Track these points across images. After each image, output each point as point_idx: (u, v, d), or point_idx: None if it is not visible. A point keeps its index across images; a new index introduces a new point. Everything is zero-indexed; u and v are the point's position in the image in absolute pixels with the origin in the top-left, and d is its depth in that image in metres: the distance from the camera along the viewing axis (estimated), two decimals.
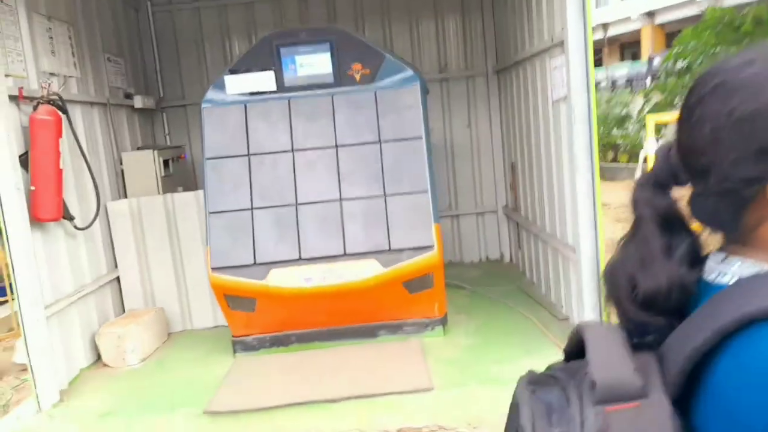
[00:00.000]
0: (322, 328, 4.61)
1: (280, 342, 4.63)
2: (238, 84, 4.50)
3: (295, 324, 4.58)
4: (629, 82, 29.57)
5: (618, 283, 0.83)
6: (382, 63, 4.51)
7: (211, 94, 4.57)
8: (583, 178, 3.78)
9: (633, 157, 19.07)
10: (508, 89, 5.97)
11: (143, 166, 5.57)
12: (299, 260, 4.30)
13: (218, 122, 4.51)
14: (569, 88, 3.81)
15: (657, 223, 0.80)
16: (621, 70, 33.43)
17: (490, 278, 6.16)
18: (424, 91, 4.64)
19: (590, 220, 3.82)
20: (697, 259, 0.82)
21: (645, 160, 3.78)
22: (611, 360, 0.74)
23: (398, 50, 6.59)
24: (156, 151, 5.63)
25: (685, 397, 0.73)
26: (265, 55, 4.51)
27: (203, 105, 4.56)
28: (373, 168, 4.39)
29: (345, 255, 4.29)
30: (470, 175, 6.74)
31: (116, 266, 5.34)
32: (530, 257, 5.68)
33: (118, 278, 5.35)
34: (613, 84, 30.77)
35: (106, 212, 5.26)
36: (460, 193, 6.78)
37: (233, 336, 4.66)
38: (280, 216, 4.36)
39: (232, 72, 4.52)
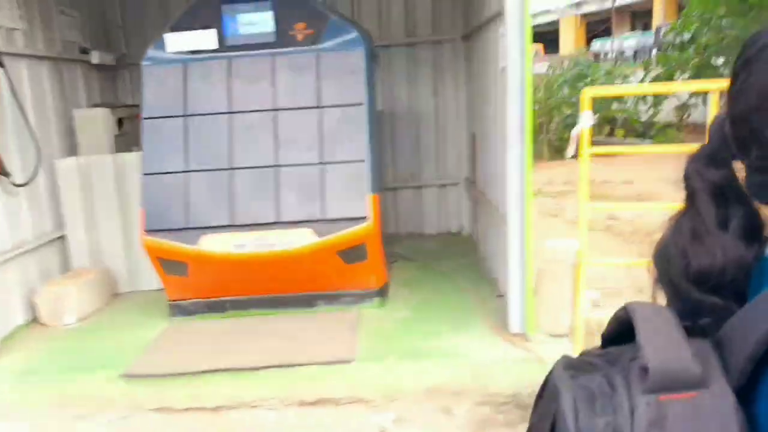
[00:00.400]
0: (259, 296, 4.58)
1: (216, 307, 4.60)
2: (178, 42, 4.38)
3: (231, 290, 4.55)
4: (636, 53, 29.00)
5: (670, 259, 0.77)
6: (327, 24, 4.36)
7: (152, 52, 4.45)
8: (514, 152, 3.67)
9: (629, 132, 18.85)
10: (472, 56, 5.80)
11: (95, 124, 5.48)
12: (232, 226, 4.24)
13: (157, 81, 4.40)
14: (506, 59, 3.67)
15: (710, 194, 0.75)
16: (629, 40, 32.73)
17: (446, 251, 6.10)
18: (370, 56, 4.49)
19: (519, 194, 3.72)
20: (756, 235, 0.75)
21: (578, 137, 3.64)
22: (665, 344, 0.66)
23: (365, 13, 6.41)
24: (108, 110, 5.53)
25: (744, 387, 0.65)
26: (206, 13, 4.37)
27: (143, 63, 4.46)
28: (311, 134, 4.29)
29: (279, 222, 4.22)
30: (434, 145, 6.62)
31: (62, 225, 5.29)
32: (483, 231, 5.60)
33: (65, 236, 5.32)
34: (621, 55, 30.19)
35: (54, 170, 5.20)
36: (424, 163, 6.66)
37: (169, 300, 4.64)
38: (215, 180, 4.28)
39: (173, 29, 4.38)
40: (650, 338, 0.67)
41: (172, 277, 4.44)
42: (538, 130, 18.25)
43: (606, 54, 31.29)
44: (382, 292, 4.67)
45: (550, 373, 0.73)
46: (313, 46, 4.34)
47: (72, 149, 5.51)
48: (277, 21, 4.33)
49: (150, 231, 4.28)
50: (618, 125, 19.12)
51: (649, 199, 9.55)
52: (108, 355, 4.15)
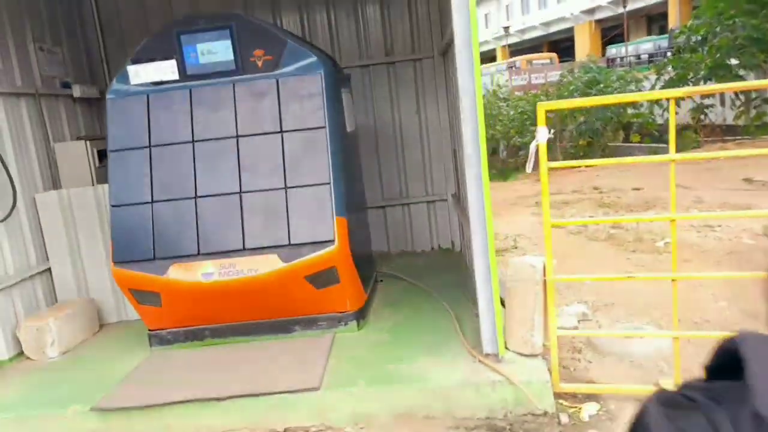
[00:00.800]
0: (237, 323, 4.53)
1: (194, 336, 4.57)
2: (140, 74, 4.40)
3: (208, 318, 4.52)
4: (652, 56, 28.60)
5: None
6: (285, 49, 4.34)
7: (116, 85, 4.48)
8: (472, 171, 3.58)
9: (646, 136, 18.48)
10: (449, 72, 5.74)
11: (76, 156, 5.55)
12: (198, 255, 4.21)
13: (122, 114, 4.43)
14: (457, 79, 3.61)
15: None
16: (645, 44, 32.35)
17: (435, 268, 5.99)
18: (332, 79, 4.46)
19: (480, 213, 3.62)
20: None
21: (537, 151, 3.54)
22: None
23: (343, 35, 6.43)
24: (89, 142, 5.60)
25: None
26: (166, 44, 4.39)
27: (108, 97, 4.49)
28: (274, 159, 4.26)
29: (244, 249, 4.19)
30: (420, 162, 6.55)
31: (47, 258, 5.34)
32: (468, 247, 5.49)
33: (50, 269, 5.36)
34: (638, 59, 29.83)
35: (35, 204, 5.27)
36: (411, 180, 6.60)
37: (149, 329, 4.63)
38: (180, 209, 4.27)
39: (134, 62, 4.41)
40: (764, 377, 0.56)
41: (146, 308, 4.43)
42: (553, 139, 18.11)
43: (622, 59, 30.99)
44: (359, 315, 4.58)
45: (642, 409, 0.63)
46: (272, 72, 4.32)
47: (56, 182, 5.58)
48: (236, 49, 4.33)
49: (119, 262, 4.29)
50: (633, 130, 18.79)
51: (655, 205, 9.33)
52: (85, 389, 4.11)
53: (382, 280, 5.66)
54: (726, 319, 4.68)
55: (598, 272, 6.30)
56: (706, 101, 16.11)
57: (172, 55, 4.39)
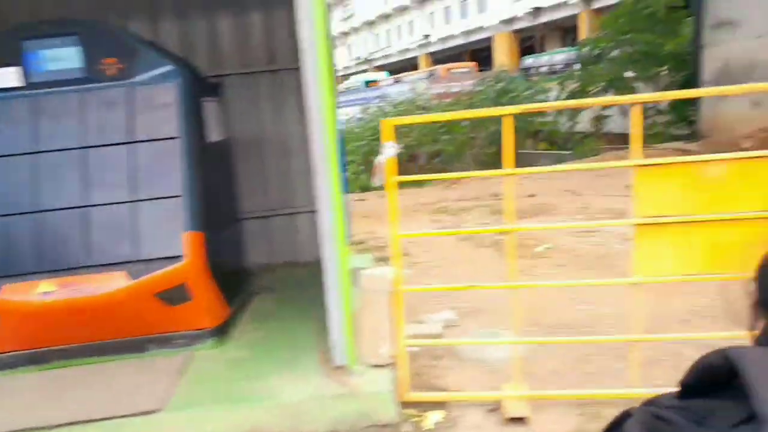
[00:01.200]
0: (86, 343, 4.31)
1: (39, 359, 4.30)
2: None
3: (54, 339, 4.27)
4: (566, 66, 29.81)
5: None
6: (139, 57, 4.20)
7: None
8: (321, 180, 3.60)
9: (551, 144, 19.30)
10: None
11: None
12: (38, 273, 3.98)
13: None
14: (306, 89, 3.60)
15: None
16: (559, 55, 33.70)
17: (316, 280, 5.90)
18: (192, 87, 4.35)
19: (329, 227, 3.63)
20: None
21: (383, 168, 3.57)
22: None
23: (225, 43, 6.31)
24: None
25: None
26: (9, 50, 4.15)
27: None
28: (124, 171, 4.10)
29: (90, 266, 4.00)
30: (304, 170, 6.48)
31: None
32: None
33: None
34: (552, 70, 31.02)
35: None
36: (296, 189, 6.53)
37: None
38: (18, 224, 4.03)
39: None
40: (765, 381, 0.53)
41: None
42: (464, 146, 18.57)
43: (538, 68, 32.17)
44: (218, 332, 4.46)
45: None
46: (124, 81, 4.17)
47: None
48: (85, 56, 4.15)
49: None
50: (540, 138, 19.53)
51: (544, 211, 9.69)
52: None
53: (257, 293, 5.57)
54: (582, 321, 4.87)
55: (480, 278, 6.44)
56: (606, 111, 16.92)
57: (14, 61, 4.15)
